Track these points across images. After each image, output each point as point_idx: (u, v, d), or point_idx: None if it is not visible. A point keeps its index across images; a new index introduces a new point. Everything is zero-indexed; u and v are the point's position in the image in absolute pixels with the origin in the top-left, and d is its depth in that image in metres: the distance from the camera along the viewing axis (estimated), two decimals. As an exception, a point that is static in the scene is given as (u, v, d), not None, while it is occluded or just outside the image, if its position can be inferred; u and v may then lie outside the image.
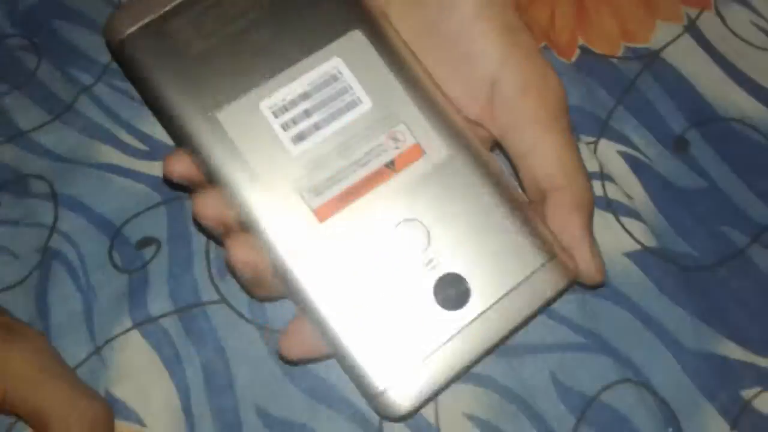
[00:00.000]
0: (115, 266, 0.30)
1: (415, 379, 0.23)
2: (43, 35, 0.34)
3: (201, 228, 0.29)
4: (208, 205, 0.24)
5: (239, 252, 0.24)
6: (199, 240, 0.29)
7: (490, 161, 0.26)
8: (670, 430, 0.26)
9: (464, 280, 0.24)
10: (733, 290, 0.28)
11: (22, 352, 0.26)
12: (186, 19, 0.25)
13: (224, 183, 0.24)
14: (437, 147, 0.25)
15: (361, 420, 0.27)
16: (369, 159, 0.25)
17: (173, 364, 0.28)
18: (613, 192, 0.29)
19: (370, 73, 0.25)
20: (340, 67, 0.25)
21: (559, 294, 0.25)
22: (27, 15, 0.34)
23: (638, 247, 0.29)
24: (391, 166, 0.25)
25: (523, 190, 0.26)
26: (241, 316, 0.28)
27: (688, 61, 0.32)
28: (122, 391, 0.27)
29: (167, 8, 0.25)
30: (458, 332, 0.24)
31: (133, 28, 0.25)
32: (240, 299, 0.29)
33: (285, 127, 0.25)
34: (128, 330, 0.28)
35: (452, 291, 0.24)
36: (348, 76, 0.25)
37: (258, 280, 0.25)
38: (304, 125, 0.25)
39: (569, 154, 0.25)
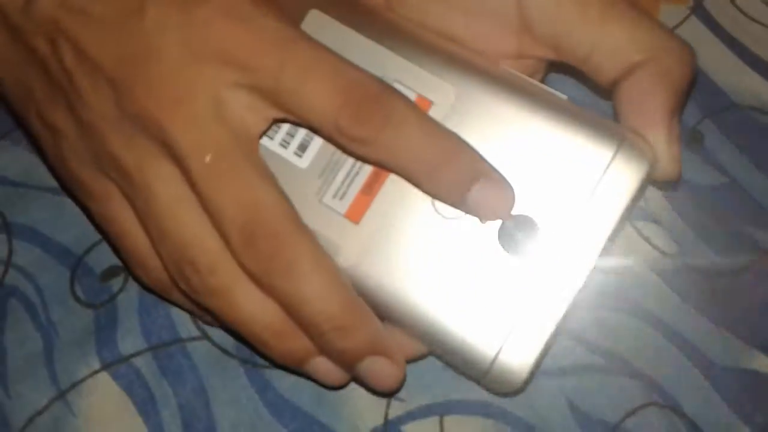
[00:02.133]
0: (77, 300, 0.27)
1: (522, 341, 0.22)
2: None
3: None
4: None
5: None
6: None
7: (509, 77, 0.24)
8: (703, 456, 0.24)
9: (528, 218, 0.22)
10: (761, 296, 0.26)
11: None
12: None
13: None
14: (443, 90, 0.23)
15: (358, 462, 0.25)
16: None
17: (148, 407, 0.25)
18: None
19: (343, 45, 0.23)
20: None
21: (642, 187, 0.22)
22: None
23: (656, 254, 0.27)
24: None
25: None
26: (225, 351, 0.26)
27: (697, 45, 0.30)
28: (91, 444, 0.25)
29: None
30: (545, 275, 0.22)
31: None
32: (223, 333, 0.26)
33: (284, 144, 0.24)
34: (96, 372, 0.26)
35: (520, 235, 0.22)
36: None
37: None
38: (300, 135, 0.24)
39: (643, 30, 0.23)
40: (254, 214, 0.21)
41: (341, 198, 0.23)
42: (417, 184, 0.22)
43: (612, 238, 0.22)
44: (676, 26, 0.30)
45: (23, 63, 0.24)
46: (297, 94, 0.21)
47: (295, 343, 0.23)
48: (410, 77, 0.23)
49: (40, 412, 0.26)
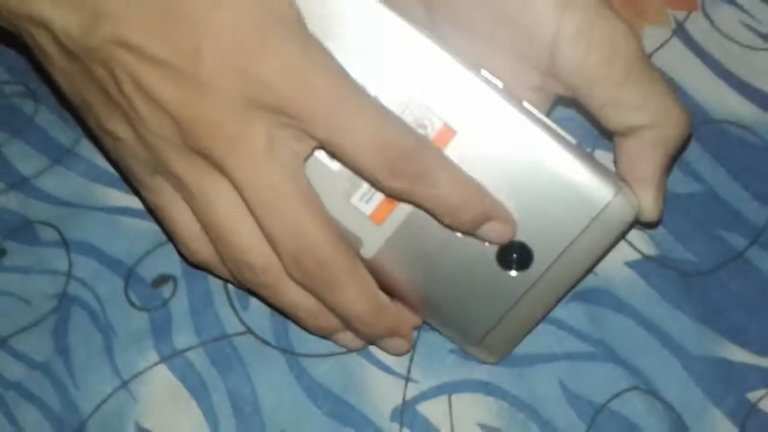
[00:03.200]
0: (132, 305, 0.31)
1: (500, 335, 0.28)
2: (40, 81, 0.35)
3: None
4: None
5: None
6: (214, 275, 0.31)
7: (530, 113, 0.26)
8: (679, 433, 0.28)
9: (524, 243, 0.27)
10: (733, 293, 0.30)
11: None
12: None
13: None
14: (466, 120, 0.26)
15: (383, 440, 0.29)
16: None
17: (200, 393, 0.30)
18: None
19: (379, 63, 0.26)
20: None
21: (626, 231, 0.27)
22: (20, 60, 0.36)
23: (638, 255, 0.31)
24: None
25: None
26: (266, 343, 0.30)
27: (678, 64, 0.34)
28: (152, 423, 0.30)
29: None
30: (529, 289, 0.27)
31: None
32: (264, 327, 0.31)
33: (320, 147, 0.26)
34: (154, 364, 0.30)
35: (514, 256, 0.27)
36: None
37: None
38: None
39: (655, 96, 0.26)
40: (300, 243, 0.26)
41: (367, 201, 0.27)
42: (437, 219, 0.26)
43: (592, 268, 0.27)
44: (660, 47, 0.34)
45: (80, 77, 0.26)
46: (340, 147, 0.25)
47: (327, 321, 0.28)
48: (439, 105, 0.26)
49: (105, 399, 0.30)
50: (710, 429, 0.28)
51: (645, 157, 0.27)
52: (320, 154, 0.27)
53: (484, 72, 0.26)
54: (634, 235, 0.31)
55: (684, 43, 0.34)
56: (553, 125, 0.27)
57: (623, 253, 0.31)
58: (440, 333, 0.30)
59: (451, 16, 0.27)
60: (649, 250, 0.31)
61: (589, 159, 0.27)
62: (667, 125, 0.26)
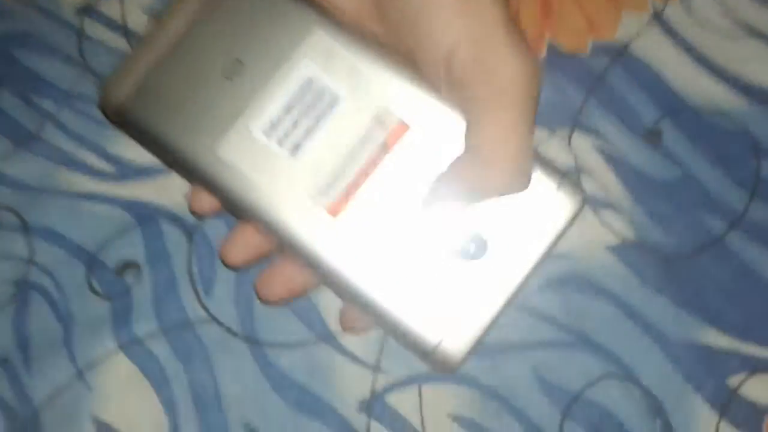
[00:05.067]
0: (94, 292, 0.31)
1: (461, 334, 0.26)
2: (3, 64, 0.35)
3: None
4: (236, 251, 0.27)
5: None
6: (180, 260, 0.31)
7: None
8: (658, 421, 0.28)
9: (479, 234, 0.26)
10: (713, 278, 0.30)
11: None
12: (165, 72, 0.28)
13: (245, 213, 0.27)
14: (419, 117, 0.27)
15: (347, 429, 0.28)
16: (362, 147, 0.27)
17: (160, 383, 0.29)
18: (589, 185, 0.31)
19: (339, 66, 0.27)
20: (311, 70, 0.27)
21: (573, 218, 0.27)
22: (-13, 44, 0.36)
23: (618, 240, 0.30)
24: (384, 148, 0.27)
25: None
26: (230, 331, 0.30)
27: (657, 52, 0.34)
28: (108, 415, 0.29)
29: (147, 69, 0.28)
30: (487, 279, 0.26)
31: (124, 95, 0.28)
32: (229, 316, 0.30)
33: (280, 143, 0.27)
34: (112, 353, 0.30)
35: (471, 247, 0.26)
36: (321, 77, 0.27)
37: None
38: (296, 135, 0.27)
39: (505, 136, 0.25)
40: None
41: (324, 195, 0.27)
42: None
43: (544, 258, 0.26)
44: (636, 35, 0.34)
45: None
46: None
47: None
48: (395, 104, 0.27)
49: (60, 389, 0.29)
50: (690, 414, 0.28)
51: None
52: (281, 150, 0.27)
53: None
54: (614, 219, 0.31)
55: (663, 30, 0.34)
56: None
57: (602, 237, 0.30)
58: (398, 341, 0.28)
59: (387, 35, 0.28)
60: (628, 233, 0.30)
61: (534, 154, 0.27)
62: (498, 170, 0.26)
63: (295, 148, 0.27)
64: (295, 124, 0.27)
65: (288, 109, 0.27)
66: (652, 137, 0.32)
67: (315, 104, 0.27)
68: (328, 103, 0.27)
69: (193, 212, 0.28)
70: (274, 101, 0.27)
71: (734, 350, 0.29)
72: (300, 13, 0.28)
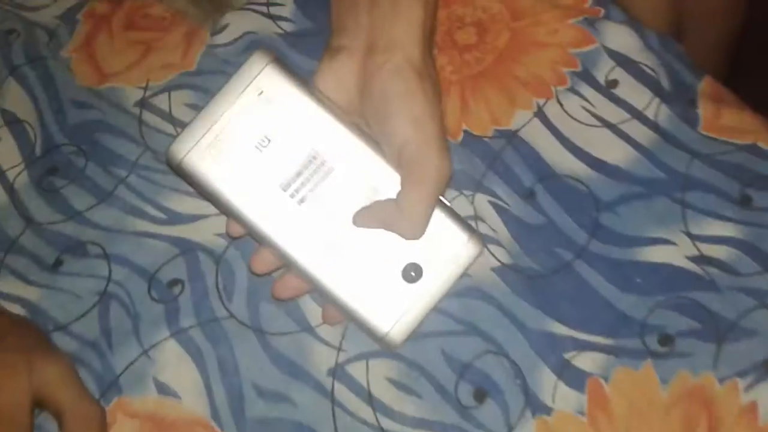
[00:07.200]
0: (153, 300, 0.47)
1: (402, 324, 0.42)
2: (88, 144, 0.52)
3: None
4: (260, 265, 0.44)
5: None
6: (210, 278, 0.47)
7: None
8: (518, 381, 0.43)
9: (417, 264, 0.42)
10: (561, 290, 0.46)
11: (54, 364, 0.43)
12: (217, 133, 0.42)
13: (262, 240, 0.42)
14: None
15: (319, 387, 0.44)
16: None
17: (197, 358, 0.45)
18: (483, 228, 0.47)
19: (334, 142, 0.42)
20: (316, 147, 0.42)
21: (476, 257, 0.42)
22: (75, 129, 0.53)
23: (499, 264, 0.46)
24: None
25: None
26: (243, 325, 0.46)
27: (537, 137, 0.50)
28: (164, 377, 0.45)
29: (205, 132, 0.42)
30: (421, 293, 0.42)
31: (185, 153, 0.42)
32: (243, 314, 0.46)
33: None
34: (166, 339, 0.46)
35: (412, 272, 0.42)
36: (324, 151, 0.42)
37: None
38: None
39: (417, 207, 0.41)
40: None
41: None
42: None
43: (460, 277, 0.42)
44: (525, 124, 0.50)
45: None
46: None
47: None
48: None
49: (132, 362, 0.45)
50: (539, 377, 0.43)
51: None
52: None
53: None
54: (498, 250, 0.47)
55: (542, 121, 0.50)
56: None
57: (489, 262, 0.46)
58: (357, 326, 0.44)
59: (366, 126, 0.44)
60: (507, 260, 0.46)
61: (449, 210, 0.43)
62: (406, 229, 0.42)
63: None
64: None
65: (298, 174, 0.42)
66: (528, 196, 0.48)
67: (312, 176, 0.42)
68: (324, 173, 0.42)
69: (228, 234, 0.44)
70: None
71: (570, 336, 0.44)
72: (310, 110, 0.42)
